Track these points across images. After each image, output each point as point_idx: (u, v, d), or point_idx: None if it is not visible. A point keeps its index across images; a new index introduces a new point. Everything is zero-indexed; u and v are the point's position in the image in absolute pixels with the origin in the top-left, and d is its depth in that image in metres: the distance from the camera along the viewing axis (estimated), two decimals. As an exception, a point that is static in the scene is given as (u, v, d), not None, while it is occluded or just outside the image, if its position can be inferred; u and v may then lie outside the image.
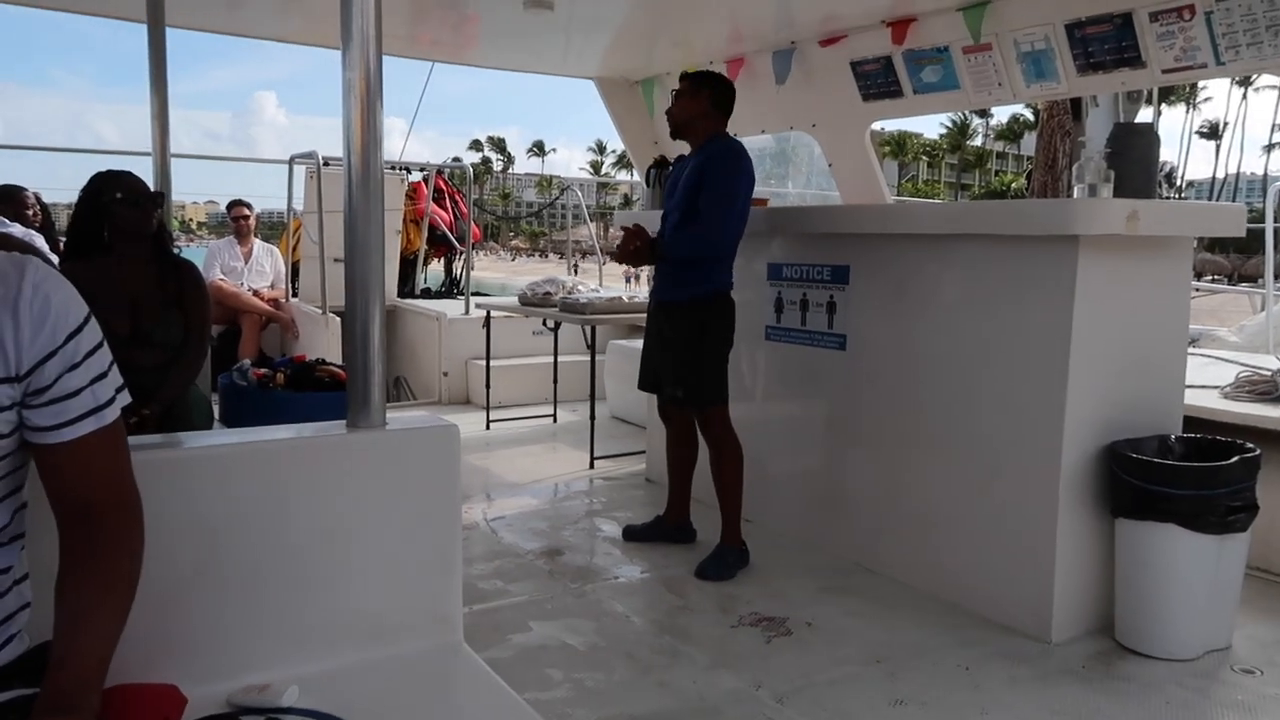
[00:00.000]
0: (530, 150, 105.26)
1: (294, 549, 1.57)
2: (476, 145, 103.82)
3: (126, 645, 1.25)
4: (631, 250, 3.69)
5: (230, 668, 1.51)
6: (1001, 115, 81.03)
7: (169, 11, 3.65)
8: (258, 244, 7.76)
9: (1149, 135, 3.36)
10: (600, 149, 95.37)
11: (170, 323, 3.36)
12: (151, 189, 3.44)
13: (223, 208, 8.17)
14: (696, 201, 3.49)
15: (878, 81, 5.07)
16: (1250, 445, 2.93)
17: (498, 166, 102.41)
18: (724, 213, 3.47)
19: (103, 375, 1.27)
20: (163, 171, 3.70)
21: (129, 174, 3.34)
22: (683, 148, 3.81)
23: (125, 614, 1.25)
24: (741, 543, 3.63)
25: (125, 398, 1.31)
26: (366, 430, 1.65)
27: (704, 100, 3.59)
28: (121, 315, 3.24)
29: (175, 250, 3.59)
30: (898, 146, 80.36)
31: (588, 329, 5.33)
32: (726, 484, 3.64)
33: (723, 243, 3.53)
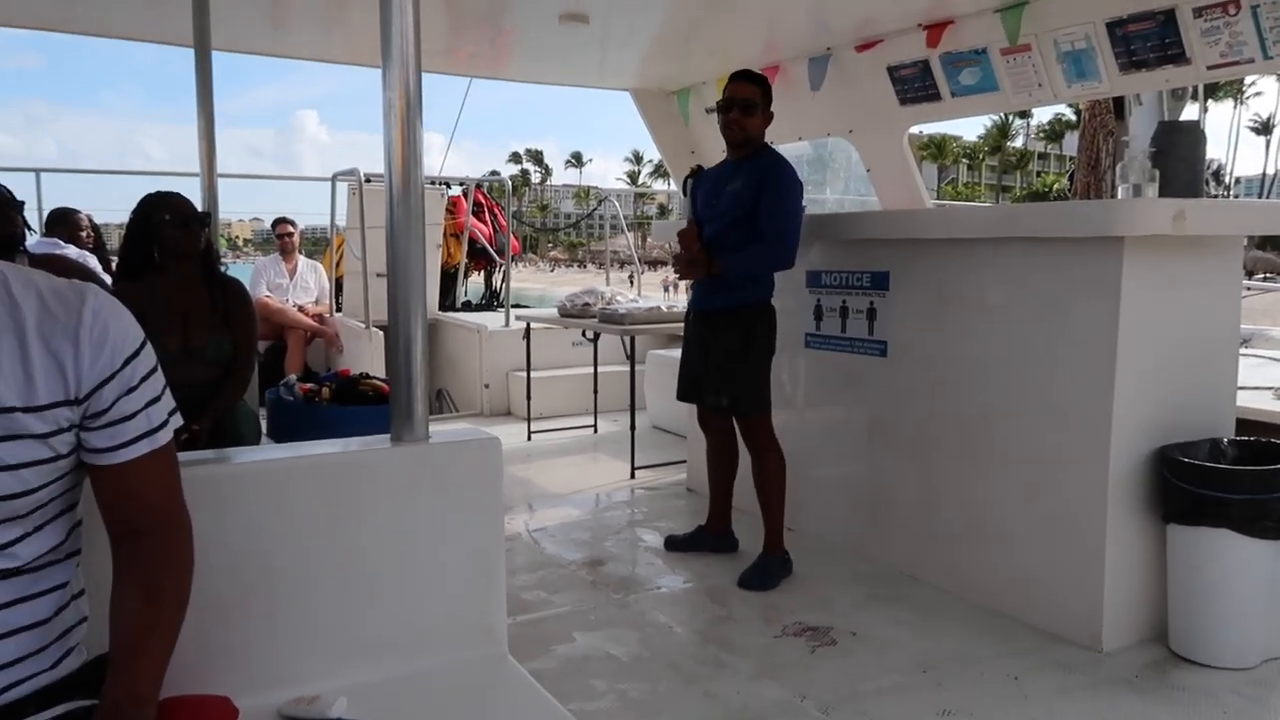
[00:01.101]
0: (568, 161, 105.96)
1: (341, 561, 1.60)
2: (516, 158, 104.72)
3: (180, 658, 1.28)
4: (687, 262, 3.58)
5: (281, 679, 1.54)
6: (1043, 115, 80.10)
7: (214, 35, 3.74)
8: (302, 260, 7.89)
9: (1194, 133, 3.30)
10: (637, 159, 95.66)
11: (219, 340, 3.42)
12: (199, 208, 3.51)
13: (268, 225, 8.32)
14: (751, 214, 3.46)
15: (915, 85, 5.03)
16: (1307, 448, 2.86)
17: (536, 178, 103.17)
18: (792, 230, 3.46)
19: (157, 399, 1.31)
20: (210, 191, 3.79)
21: (177, 195, 3.42)
22: (713, 154, 3.78)
23: (177, 628, 1.29)
24: (784, 551, 3.61)
25: (177, 420, 1.35)
26: (410, 444, 1.67)
27: (771, 116, 3.58)
28: (172, 333, 3.32)
29: (222, 268, 3.66)
30: (937, 150, 79.62)
31: (627, 339, 5.34)
32: (769, 492, 3.62)
33: (791, 258, 3.49)
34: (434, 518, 1.67)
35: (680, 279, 3.68)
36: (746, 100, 3.50)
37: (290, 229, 7.74)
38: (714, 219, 3.60)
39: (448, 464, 1.71)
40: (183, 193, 3.46)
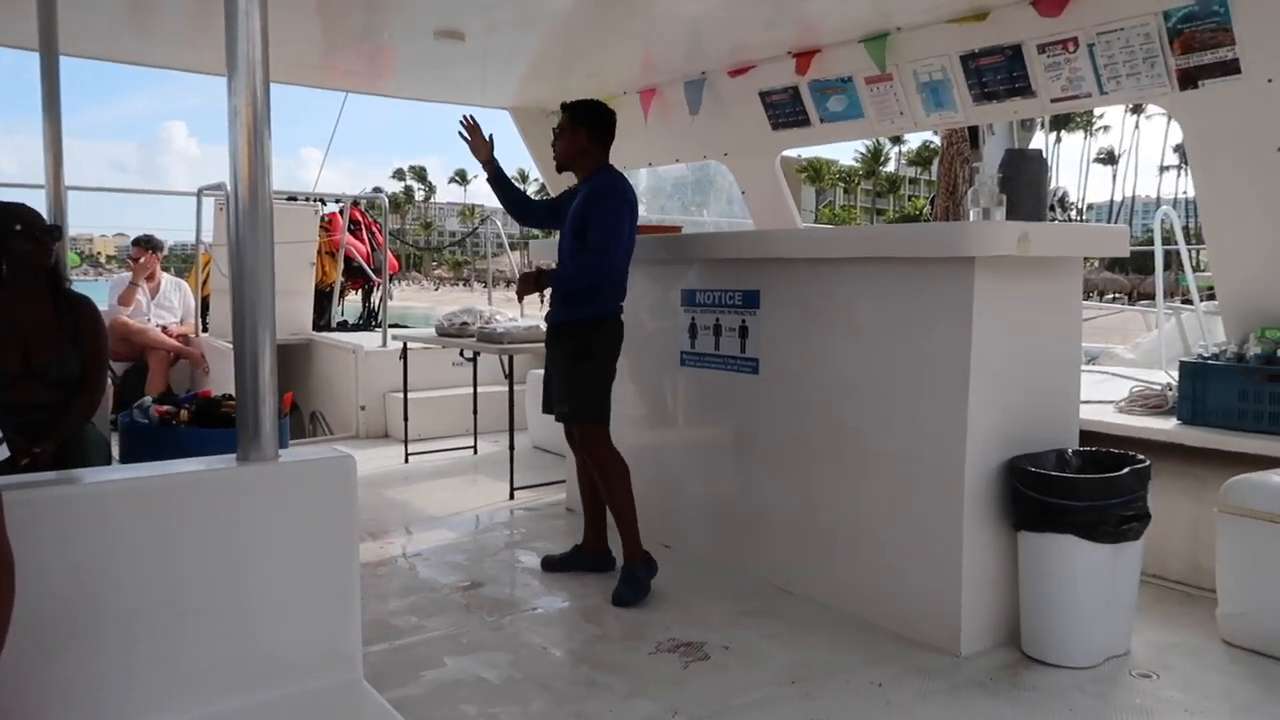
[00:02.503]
0: (453, 179, 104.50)
1: (182, 588, 1.53)
2: (400, 174, 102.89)
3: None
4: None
5: (116, 713, 1.45)
6: (914, 142, 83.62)
7: (64, 39, 3.55)
8: (166, 278, 7.54)
9: (1038, 161, 3.50)
10: (523, 178, 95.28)
11: (66, 359, 3.24)
12: (48, 222, 3.33)
13: (130, 242, 7.90)
14: (584, 233, 3.61)
15: (786, 111, 5.19)
16: (1141, 457, 3.05)
17: (420, 196, 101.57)
18: (609, 244, 3.60)
19: None
20: (57, 204, 3.59)
21: (25, 206, 3.25)
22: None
23: None
24: (644, 554, 3.64)
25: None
26: (257, 463, 1.61)
27: (582, 137, 3.72)
28: (14, 351, 3.14)
29: (67, 283, 3.48)
30: (815, 173, 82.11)
31: (505, 358, 5.29)
32: (616, 502, 3.67)
33: (610, 271, 3.65)
34: (283, 540, 1.61)
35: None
36: (558, 126, 3.78)
37: (141, 254, 7.28)
38: (563, 236, 3.77)
39: (298, 484, 1.65)
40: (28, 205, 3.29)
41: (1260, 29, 3.40)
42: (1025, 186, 3.30)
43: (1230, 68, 3.49)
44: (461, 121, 3.98)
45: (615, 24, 4.76)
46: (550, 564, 3.91)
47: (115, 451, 4.01)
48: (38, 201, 3.51)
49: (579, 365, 3.66)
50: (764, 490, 3.79)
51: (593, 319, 3.67)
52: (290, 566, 1.62)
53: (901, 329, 3.23)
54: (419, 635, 3.24)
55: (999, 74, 4.19)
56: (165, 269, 7.78)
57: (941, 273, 3.08)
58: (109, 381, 4.00)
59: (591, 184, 3.69)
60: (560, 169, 3.84)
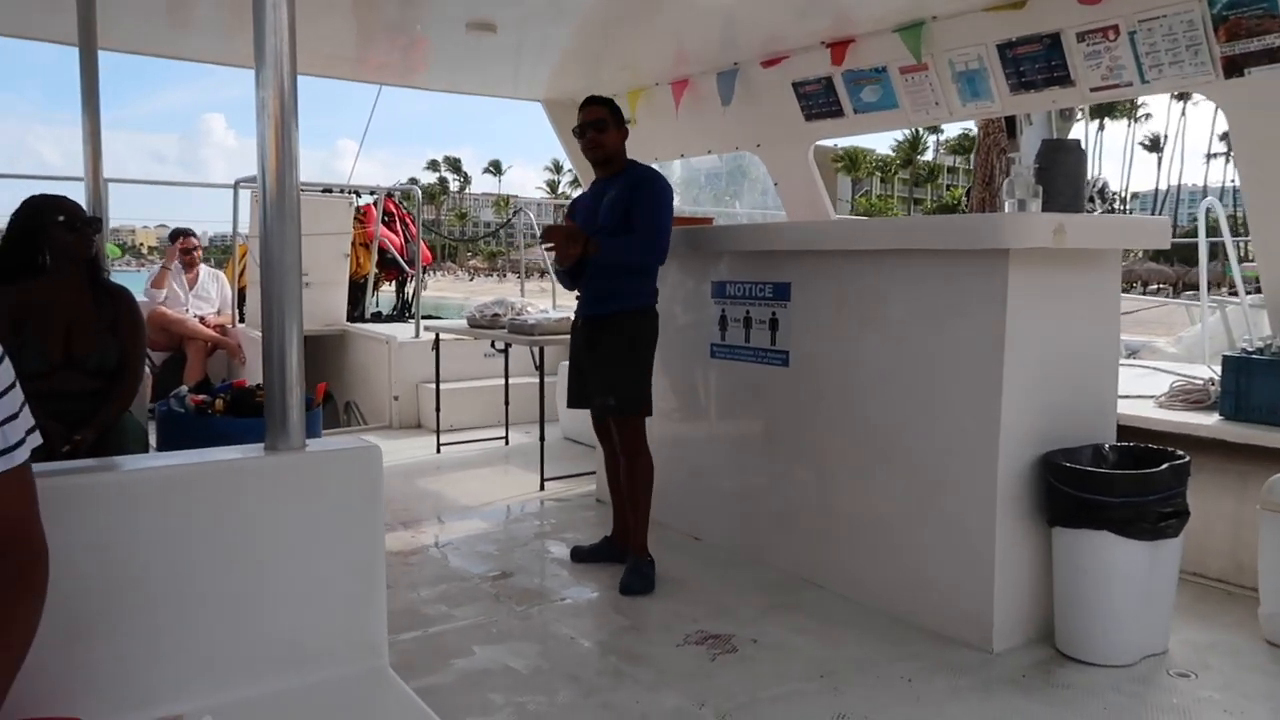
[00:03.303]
0: (486, 169, 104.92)
1: (210, 574, 1.54)
2: (434, 165, 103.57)
3: (32, 677, 1.22)
4: (565, 237, 3.58)
5: (142, 698, 1.47)
6: (951, 130, 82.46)
7: (103, 35, 3.61)
8: (203, 269, 7.66)
9: (1076, 151, 3.43)
10: (557, 168, 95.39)
11: (105, 349, 3.30)
12: (88, 214, 3.39)
13: (168, 235, 8.06)
14: (628, 220, 3.58)
15: (819, 101, 5.14)
16: (1180, 452, 2.99)
17: (454, 186, 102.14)
18: (661, 226, 3.61)
19: (13, 416, 1.25)
20: (96, 195, 3.65)
21: (67, 198, 3.31)
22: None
23: (20, 658, 1.22)
24: (649, 555, 3.66)
25: (36, 439, 1.29)
26: (285, 452, 1.62)
27: (625, 130, 3.76)
28: (55, 340, 3.19)
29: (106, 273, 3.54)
30: (851, 163, 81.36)
31: (536, 350, 5.31)
32: (638, 495, 3.69)
33: (655, 254, 3.64)
34: (310, 528, 1.62)
35: (558, 263, 3.71)
36: (597, 120, 3.69)
37: (194, 242, 7.48)
38: (596, 233, 3.68)
39: (325, 473, 1.66)
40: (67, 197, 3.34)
41: (1309, 14, 3.30)
42: (1062, 177, 3.24)
43: (1277, 55, 3.40)
44: (541, 239, 3.83)
45: (647, 15, 4.74)
46: (579, 555, 3.92)
47: (152, 440, 4.08)
48: (78, 193, 3.57)
49: (625, 358, 3.65)
50: (794, 483, 3.76)
51: (636, 310, 3.66)
52: (317, 554, 1.64)
53: (935, 322, 3.19)
54: (449, 624, 3.26)
55: (1037, 63, 4.12)
56: (204, 260, 7.92)
57: (976, 265, 3.04)
58: (148, 371, 4.06)
59: (631, 177, 3.67)
60: (601, 162, 3.74)
